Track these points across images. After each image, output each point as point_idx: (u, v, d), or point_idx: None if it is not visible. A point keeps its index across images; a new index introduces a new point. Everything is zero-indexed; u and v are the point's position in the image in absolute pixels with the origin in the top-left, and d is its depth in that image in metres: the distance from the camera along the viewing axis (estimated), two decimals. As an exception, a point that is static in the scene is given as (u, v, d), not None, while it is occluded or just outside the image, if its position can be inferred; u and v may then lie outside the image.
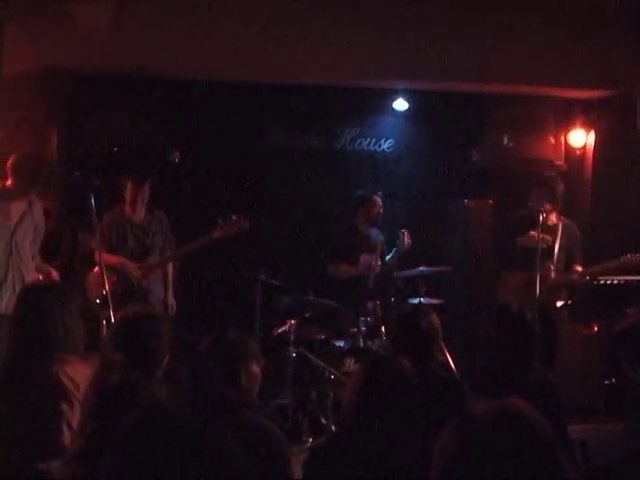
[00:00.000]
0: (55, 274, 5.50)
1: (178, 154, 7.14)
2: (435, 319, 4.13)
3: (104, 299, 5.23)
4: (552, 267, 6.18)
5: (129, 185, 6.15)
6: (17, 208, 5.38)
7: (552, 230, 6.21)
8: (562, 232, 6.24)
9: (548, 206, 6.27)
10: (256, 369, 3.30)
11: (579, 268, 6.39)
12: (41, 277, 5.43)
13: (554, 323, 6.12)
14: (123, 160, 6.81)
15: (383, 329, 6.23)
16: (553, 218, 6.31)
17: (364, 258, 6.66)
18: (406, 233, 6.74)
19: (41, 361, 3.39)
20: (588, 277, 6.41)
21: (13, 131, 6.02)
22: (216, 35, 6.55)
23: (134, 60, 6.53)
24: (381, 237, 6.85)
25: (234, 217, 6.09)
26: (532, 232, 6.24)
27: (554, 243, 6.20)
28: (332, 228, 7.03)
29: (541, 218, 6.13)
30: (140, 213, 6.19)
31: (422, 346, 4.02)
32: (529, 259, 6.23)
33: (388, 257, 6.80)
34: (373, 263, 6.60)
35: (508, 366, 3.78)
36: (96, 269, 5.77)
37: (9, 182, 5.35)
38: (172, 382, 3.63)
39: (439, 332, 4.15)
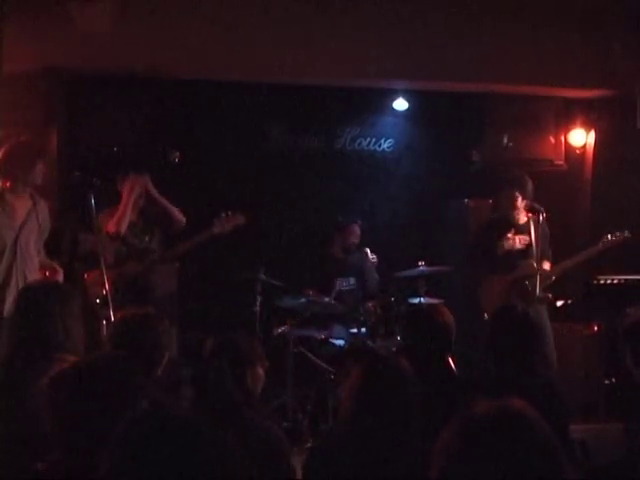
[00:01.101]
0: (60, 271, 5.50)
1: (178, 154, 7.14)
2: (450, 317, 4.13)
3: (104, 299, 5.23)
4: (534, 265, 6.21)
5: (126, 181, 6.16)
6: (22, 209, 5.37)
7: (524, 229, 6.27)
8: (534, 229, 6.27)
9: (521, 205, 6.31)
10: (261, 371, 3.31)
11: (547, 265, 6.41)
12: (47, 274, 5.42)
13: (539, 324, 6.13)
14: (123, 160, 6.81)
15: (383, 329, 6.23)
16: (523, 217, 6.35)
17: (338, 283, 6.70)
18: (368, 251, 6.79)
19: (41, 362, 3.39)
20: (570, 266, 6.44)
21: (13, 131, 6.01)
22: (216, 35, 6.54)
23: (134, 60, 6.53)
24: (363, 260, 6.85)
25: (229, 213, 6.12)
26: (509, 235, 6.29)
27: (531, 241, 6.25)
28: (306, 255, 7.04)
29: (523, 219, 6.20)
30: (135, 211, 6.19)
31: (438, 344, 4.03)
32: (510, 261, 6.28)
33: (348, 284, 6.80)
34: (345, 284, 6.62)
35: (511, 367, 3.77)
36: (87, 275, 5.83)
37: (7, 183, 5.33)
38: (172, 381, 3.63)
39: (453, 330, 4.15)
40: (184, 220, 6.11)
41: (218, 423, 1.81)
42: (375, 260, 6.84)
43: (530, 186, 6.39)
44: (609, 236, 6.34)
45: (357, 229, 6.92)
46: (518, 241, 6.26)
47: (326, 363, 6.15)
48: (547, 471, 1.63)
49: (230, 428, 1.82)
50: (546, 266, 6.42)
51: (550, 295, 6.36)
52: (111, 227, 5.84)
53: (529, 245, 6.25)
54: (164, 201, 6.09)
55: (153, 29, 6.45)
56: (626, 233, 6.34)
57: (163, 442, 1.72)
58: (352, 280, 6.78)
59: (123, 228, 5.89)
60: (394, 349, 6.09)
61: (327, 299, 6.38)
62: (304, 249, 7.46)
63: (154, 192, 6.08)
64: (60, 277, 5.41)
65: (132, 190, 5.95)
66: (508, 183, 6.44)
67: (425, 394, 2.85)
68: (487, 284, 6.45)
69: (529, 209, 6.36)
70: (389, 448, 2.67)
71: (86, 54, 6.36)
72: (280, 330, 6.33)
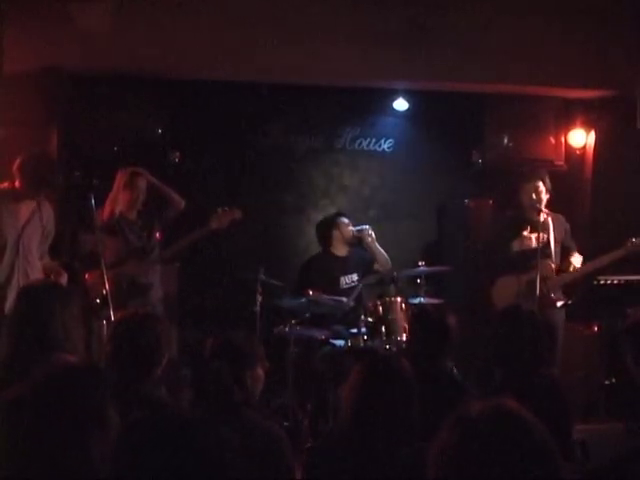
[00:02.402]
0: (64, 275, 5.52)
1: (178, 154, 7.14)
2: (453, 319, 4.15)
3: (104, 299, 5.24)
4: (552, 265, 6.16)
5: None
6: (26, 209, 5.39)
7: (543, 227, 6.18)
8: (553, 227, 6.22)
9: (544, 198, 6.26)
10: (261, 372, 3.30)
11: (577, 256, 6.35)
12: (52, 277, 5.43)
13: (552, 326, 6.09)
14: (123, 160, 6.81)
15: (383, 329, 6.23)
16: (542, 214, 6.27)
17: (342, 281, 6.74)
18: (363, 228, 6.80)
19: (41, 362, 3.38)
20: (591, 270, 6.38)
21: (13, 131, 6.02)
22: (216, 35, 6.54)
23: (134, 60, 6.53)
24: (364, 255, 6.87)
25: (226, 208, 6.17)
26: (525, 233, 6.22)
27: (549, 240, 6.17)
28: (308, 259, 7.02)
29: (542, 217, 6.14)
30: (134, 210, 6.21)
31: (442, 344, 4.04)
32: (526, 260, 6.21)
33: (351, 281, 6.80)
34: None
35: (514, 368, 3.77)
36: (87, 276, 5.85)
37: (17, 183, 5.36)
38: (173, 381, 3.64)
39: (456, 332, 4.16)
40: (183, 202, 6.18)
41: (218, 423, 1.81)
42: (370, 232, 6.80)
43: (549, 182, 6.36)
44: (633, 239, 6.16)
45: (345, 220, 6.91)
46: (535, 239, 6.16)
47: (326, 363, 6.15)
48: (542, 470, 1.63)
49: (230, 428, 1.83)
50: (576, 258, 6.34)
51: (565, 299, 6.31)
52: (105, 214, 5.88)
53: (548, 244, 6.17)
54: (163, 186, 6.17)
55: (153, 29, 6.45)
56: None
57: (164, 442, 1.72)
58: (355, 276, 6.79)
59: (116, 210, 5.90)
60: (394, 349, 6.08)
61: (345, 299, 6.39)
62: (304, 249, 7.48)
63: (152, 179, 6.14)
64: (64, 280, 5.43)
65: (121, 179, 6.01)
66: (530, 175, 6.38)
67: (424, 394, 2.86)
68: (502, 284, 6.39)
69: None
70: (389, 448, 2.67)
71: (86, 54, 6.36)
72: (280, 330, 6.33)
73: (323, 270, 6.77)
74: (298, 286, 6.69)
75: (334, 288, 6.66)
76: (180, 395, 3.83)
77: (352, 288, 6.70)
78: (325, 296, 6.41)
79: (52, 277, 5.40)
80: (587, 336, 6.92)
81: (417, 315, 4.58)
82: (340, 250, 6.88)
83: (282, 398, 6.13)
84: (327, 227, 6.92)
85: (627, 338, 3.48)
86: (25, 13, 6.04)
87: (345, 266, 6.83)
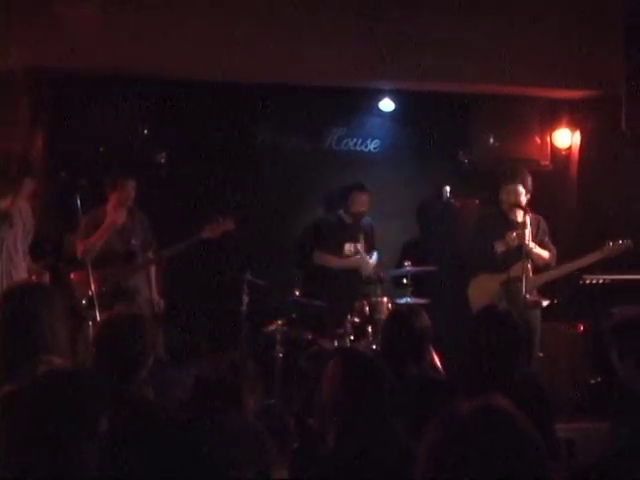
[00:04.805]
0: (46, 275, 5.49)
1: (164, 154, 7.13)
2: (426, 319, 4.14)
3: (90, 300, 5.22)
4: (529, 266, 6.12)
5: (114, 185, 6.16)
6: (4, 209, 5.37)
7: (521, 227, 6.18)
8: (532, 227, 6.22)
9: (523, 201, 6.26)
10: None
11: (547, 254, 6.37)
12: (34, 278, 5.41)
13: (528, 326, 6.08)
14: (109, 161, 6.79)
15: (370, 329, 6.23)
16: (520, 214, 6.27)
17: (347, 247, 6.91)
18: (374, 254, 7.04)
19: (27, 363, 3.37)
20: (568, 271, 6.40)
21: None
22: (203, 36, 6.54)
23: (120, 60, 6.51)
24: (371, 227, 7.07)
25: (220, 218, 6.15)
26: (508, 234, 6.23)
27: (527, 240, 6.13)
28: (319, 218, 7.23)
29: (520, 217, 6.16)
30: (122, 214, 6.19)
31: (414, 346, 4.04)
32: (505, 260, 6.23)
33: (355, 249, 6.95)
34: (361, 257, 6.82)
35: (494, 368, 3.78)
36: (73, 276, 5.82)
37: None
38: (159, 382, 3.62)
39: (430, 333, 4.16)
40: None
41: (205, 423, 1.81)
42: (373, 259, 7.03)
43: (530, 182, 6.37)
44: (610, 243, 6.18)
45: (362, 197, 6.97)
46: (516, 239, 6.18)
47: (312, 363, 6.14)
48: (531, 468, 1.64)
49: (216, 428, 1.83)
50: (545, 254, 6.37)
51: (541, 300, 6.32)
52: (79, 251, 5.84)
53: (525, 244, 6.16)
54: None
55: (140, 29, 6.44)
56: (628, 242, 6.16)
57: (149, 443, 1.72)
58: (359, 245, 6.93)
59: (89, 257, 5.80)
60: (379, 348, 6.09)
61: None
62: (291, 249, 7.47)
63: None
64: (46, 280, 5.41)
65: (111, 224, 5.96)
66: (511, 176, 6.39)
67: (402, 395, 2.86)
68: (478, 283, 6.41)
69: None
70: (372, 445, 2.67)
71: (72, 54, 6.34)
72: (267, 330, 6.33)
73: (331, 234, 6.94)
74: (304, 247, 6.84)
75: (337, 254, 6.87)
76: (166, 396, 3.82)
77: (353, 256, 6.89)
78: (334, 259, 6.79)
79: (34, 278, 5.38)
80: (573, 335, 6.95)
81: (389, 318, 4.58)
82: (347, 217, 6.98)
83: (269, 398, 6.12)
84: (345, 190, 7.05)
85: (613, 337, 3.49)
86: (9, 13, 6.01)
87: (351, 233, 6.96)
